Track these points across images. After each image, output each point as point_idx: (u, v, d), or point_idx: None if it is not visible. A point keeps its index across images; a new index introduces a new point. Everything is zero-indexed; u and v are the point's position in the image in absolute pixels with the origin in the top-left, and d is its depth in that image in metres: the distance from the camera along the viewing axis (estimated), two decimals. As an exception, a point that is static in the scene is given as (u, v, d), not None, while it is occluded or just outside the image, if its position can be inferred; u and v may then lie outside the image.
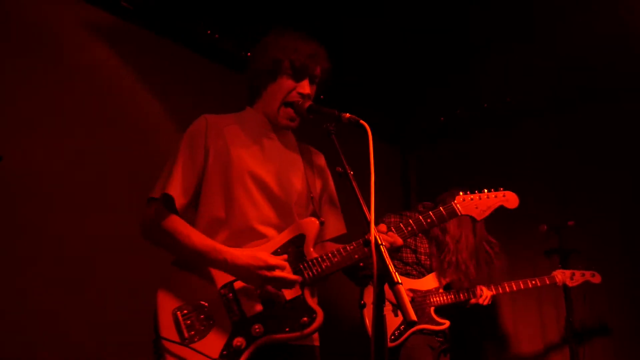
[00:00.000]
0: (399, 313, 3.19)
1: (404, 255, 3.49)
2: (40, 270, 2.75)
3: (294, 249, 1.90)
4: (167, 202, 1.85)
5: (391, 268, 1.45)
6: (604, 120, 3.97)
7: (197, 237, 1.84)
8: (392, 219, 3.45)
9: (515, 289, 3.33)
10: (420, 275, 3.43)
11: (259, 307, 1.83)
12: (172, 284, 1.89)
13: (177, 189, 1.86)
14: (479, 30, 3.63)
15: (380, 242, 1.47)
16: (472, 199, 2.19)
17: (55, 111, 2.93)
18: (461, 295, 3.35)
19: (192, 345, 1.77)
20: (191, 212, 1.96)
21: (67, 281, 2.84)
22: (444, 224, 1.98)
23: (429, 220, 2.04)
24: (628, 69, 3.68)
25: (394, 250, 1.87)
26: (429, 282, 3.38)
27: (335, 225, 2.15)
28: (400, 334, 3.26)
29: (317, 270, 1.86)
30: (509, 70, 3.94)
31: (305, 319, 1.79)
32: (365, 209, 1.62)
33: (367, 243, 1.50)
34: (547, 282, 3.32)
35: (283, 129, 2.05)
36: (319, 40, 2.06)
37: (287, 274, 1.81)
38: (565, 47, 3.64)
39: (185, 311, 1.82)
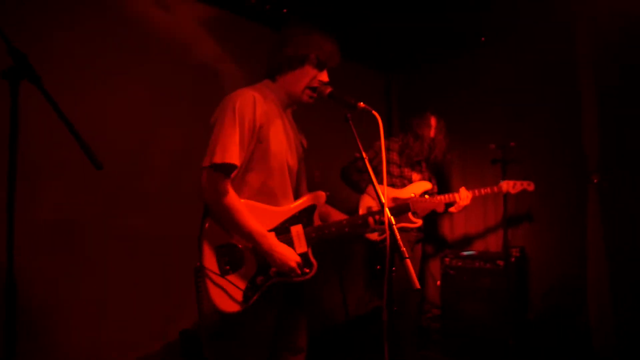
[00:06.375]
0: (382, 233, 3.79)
1: (391, 170, 4.03)
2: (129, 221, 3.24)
3: (307, 215, 2.24)
4: (227, 169, 2.03)
5: (401, 244, 1.68)
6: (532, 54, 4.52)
7: (251, 221, 2.06)
8: (395, 143, 4.05)
9: (478, 194, 3.87)
10: (403, 186, 4.00)
11: None
12: (218, 223, 2.12)
13: (236, 158, 2.03)
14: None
15: (392, 223, 1.73)
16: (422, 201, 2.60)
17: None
18: (445, 196, 3.81)
19: (227, 277, 2.08)
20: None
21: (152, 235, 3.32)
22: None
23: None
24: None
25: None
26: (409, 192, 3.96)
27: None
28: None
29: (321, 235, 2.24)
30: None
31: (307, 269, 2.20)
32: (379, 192, 1.84)
33: (382, 222, 1.94)
34: (496, 190, 3.91)
35: (303, 105, 2.30)
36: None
37: (302, 270, 2.17)
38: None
39: (224, 249, 2.10)
